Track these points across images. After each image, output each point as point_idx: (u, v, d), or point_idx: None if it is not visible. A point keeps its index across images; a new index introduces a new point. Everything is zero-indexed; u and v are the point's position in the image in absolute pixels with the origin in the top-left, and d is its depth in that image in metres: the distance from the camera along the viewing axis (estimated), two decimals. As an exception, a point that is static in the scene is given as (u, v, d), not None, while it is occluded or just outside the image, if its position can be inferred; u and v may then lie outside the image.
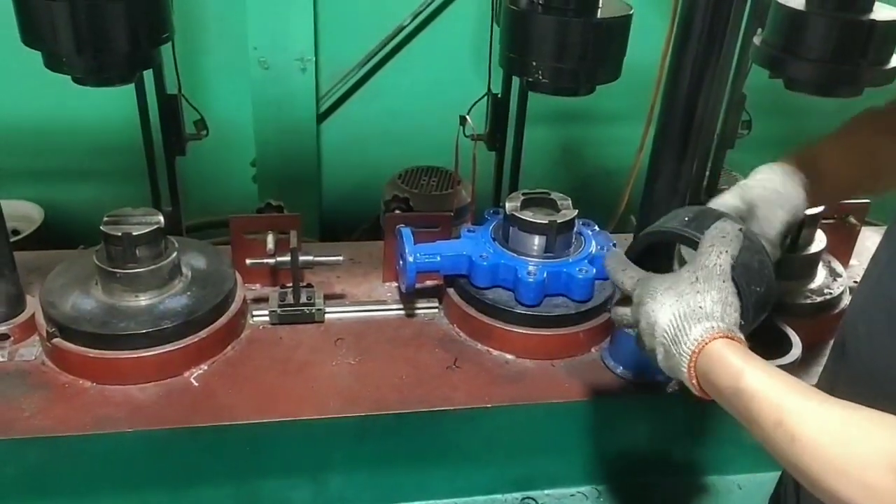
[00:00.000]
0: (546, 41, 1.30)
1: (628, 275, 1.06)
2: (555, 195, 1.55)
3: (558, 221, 1.46)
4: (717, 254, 0.99)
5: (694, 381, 0.93)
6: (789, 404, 0.82)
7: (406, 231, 1.49)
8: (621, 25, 1.33)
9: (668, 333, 0.95)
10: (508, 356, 1.47)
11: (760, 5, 1.59)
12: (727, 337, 0.92)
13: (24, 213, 2.83)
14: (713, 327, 0.93)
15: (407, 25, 2.82)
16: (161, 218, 1.40)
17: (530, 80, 1.38)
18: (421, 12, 2.81)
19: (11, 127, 2.64)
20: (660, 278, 1.01)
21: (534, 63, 1.32)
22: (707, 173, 1.88)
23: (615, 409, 1.43)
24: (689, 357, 0.93)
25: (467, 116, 1.70)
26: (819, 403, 0.81)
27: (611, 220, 2.73)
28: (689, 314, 0.94)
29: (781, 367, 0.92)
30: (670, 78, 1.41)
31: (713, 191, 1.87)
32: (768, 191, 1.18)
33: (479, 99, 1.74)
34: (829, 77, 1.40)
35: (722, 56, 1.65)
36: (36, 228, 2.76)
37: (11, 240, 2.56)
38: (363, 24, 2.81)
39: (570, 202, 1.54)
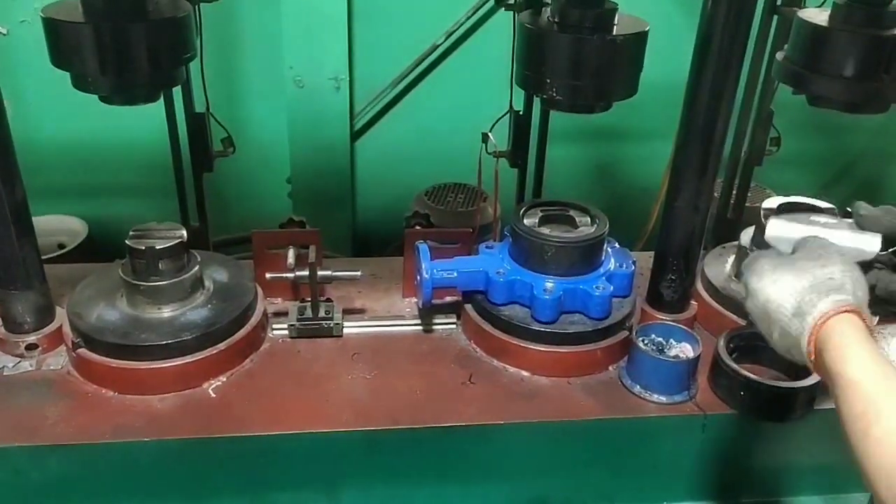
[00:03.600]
0: (560, 59, 1.30)
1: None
2: (573, 211, 1.55)
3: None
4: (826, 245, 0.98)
5: (813, 357, 0.89)
6: (877, 397, 0.80)
7: (423, 247, 1.50)
8: (636, 43, 1.32)
9: (785, 308, 0.92)
10: (524, 373, 1.46)
11: (786, 22, 1.57)
12: (855, 312, 0.88)
13: (70, 227, 2.94)
14: (845, 300, 0.89)
15: (441, 44, 2.85)
16: (184, 232, 1.44)
17: (545, 97, 1.38)
18: (454, 31, 2.84)
19: (58, 146, 2.74)
20: (767, 258, 0.99)
21: (548, 81, 1.32)
22: (735, 191, 1.85)
23: (632, 428, 1.41)
24: (810, 329, 0.89)
25: (489, 134, 1.71)
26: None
27: (640, 238, 2.71)
28: (817, 286, 0.91)
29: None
30: (688, 95, 1.40)
31: (740, 207, 1.84)
32: None
33: (502, 116, 1.75)
34: (853, 93, 1.37)
35: (749, 74, 1.65)
36: (80, 242, 2.85)
37: (58, 253, 2.70)
38: (397, 44, 2.85)
39: (588, 218, 1.54)
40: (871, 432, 0.78)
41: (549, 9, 1.45)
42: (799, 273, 0.93)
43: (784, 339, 0.93)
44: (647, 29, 1.36)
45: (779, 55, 1.51)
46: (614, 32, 1.37)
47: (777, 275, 0.95)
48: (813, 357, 0.89)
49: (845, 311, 0.88)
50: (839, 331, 0.87)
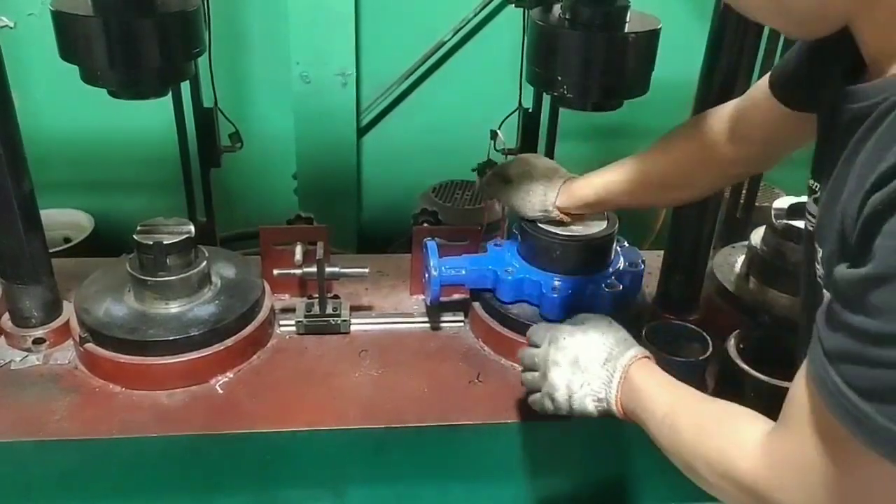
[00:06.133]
0: (571, 57, 1.29)
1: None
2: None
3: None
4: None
5: (619, 395, 1.08)
6: (675, 401, 0.98)
7: (431, 244, 1.49)
8: (647, 41, 1.31)
9: (599, 357, 1.10)
10: (532, 372, 1.45)
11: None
12: (649, 359, 1.10)
13: (76, 221, 2.93)
14: (641, 351, 1.11)
15: (448, 41, 2.84)
16: (192, 228, 1.43)
17: (556, 95, 1.37)
18: (461, 28, 2.83)
19: (65, 140, 2.74)
20: (565, 324, 1.20)
21: (559, 78, 1.32)
22: (744, 190, 1.85)
23: (640, 428, 1.40)
24: (622, 368, 1.08)
25: (498, 131, 1.71)
26: (698, 401, 0.96)
27: (648, 237, 2.70)
28: (621, 341, 1.12)
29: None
30: (700, 93, 1.39)
31: (750, 207, 1.83)
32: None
33: (511, 113, 1.74)
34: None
35: (760, 72, 1.64)
36: (86, 236, 2.85)
37: (63, 247, 2.70)
38: (404, 40, 2.84)
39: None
40: (677, 429, 0.93)
41: (560, 6, 1.44)
42: (603, 333, 1.13)
43: (591, 386, 1.09)
44: (659, 27, 1.35)
45: (791, 54, 1.50)
46: (626, 30, 1.37)
47: (585, 331, 1.14)
48: (619, 393, 1.07)
49: (644, 357, 1.10)
50: (644, 367, 1.08)
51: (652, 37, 1.35)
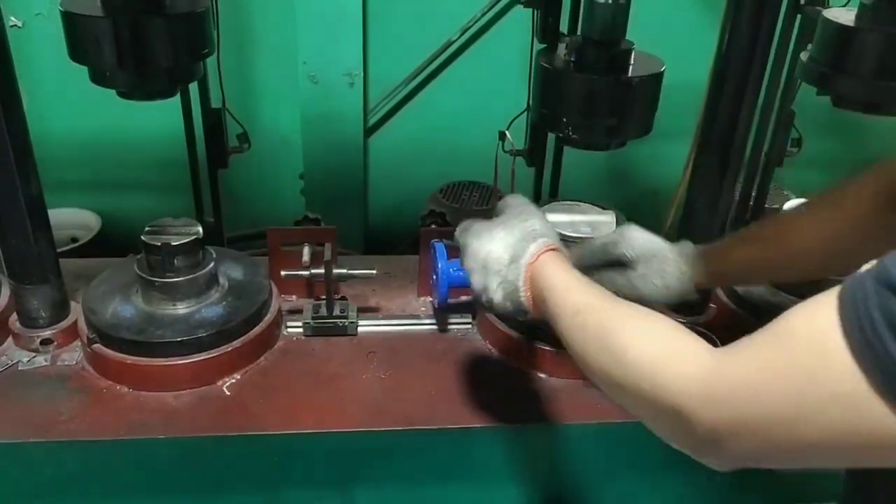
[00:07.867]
0: (576, 100, 1.32)
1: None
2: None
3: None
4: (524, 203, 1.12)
5: (529, 294, 1.02)
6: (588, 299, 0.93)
7: (440, 246, 1.49)
8: (651, 84, 1.33)
9: (503, 258, 1.04)
10: (540, 375, 1.45)
11: (810, 21, 1.55)
12: (556, 250, 1.04)
13: (83, 221, 2.94)
14: (546, 241, 1.04)
15: (455, 41, 2.84)
16: (200, 229, 1.43)
17: (561, 135, 1.39)
18: (469, 28, 2.83)
19: (72, 140, 2.74)
20: (479, 222, 1.11)
21: (564, 120, 1.33)
22: (754, 192, 1.83)
23: (649, 431, 1.40)
24: (525, 268, 1.02)
25: (507, 132, 1.70)
26: (613, 302, 0.91)
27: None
28: (525, 236, 1.04)
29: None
30: (710, 96, 1.38)
31: (760, 209, 1.82)
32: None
33: (519, 115, 1.73)
34: (878, 94, 1.35)
35: (771, 74, 1.63)
36: (93, 236, 2.86)
37: (70, 247, 2.70)
38: (411, 40, 2.84)
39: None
40: (588, 324, 0.88)
41: (565, 46, 1.44)
42: (509, 229, 1.07)
43: (504, 286, 1.04)
44: (662, 69, 1.36)
45: (803, 55, 1.49)
46: (630, 73, 1.38)
47: (493, 233, 1.07)
48: (528, 293, 1.02)
49: (550, 250, 1.03)
50: (548, 262, 1.02)
51: (655, 80, 1.37)
